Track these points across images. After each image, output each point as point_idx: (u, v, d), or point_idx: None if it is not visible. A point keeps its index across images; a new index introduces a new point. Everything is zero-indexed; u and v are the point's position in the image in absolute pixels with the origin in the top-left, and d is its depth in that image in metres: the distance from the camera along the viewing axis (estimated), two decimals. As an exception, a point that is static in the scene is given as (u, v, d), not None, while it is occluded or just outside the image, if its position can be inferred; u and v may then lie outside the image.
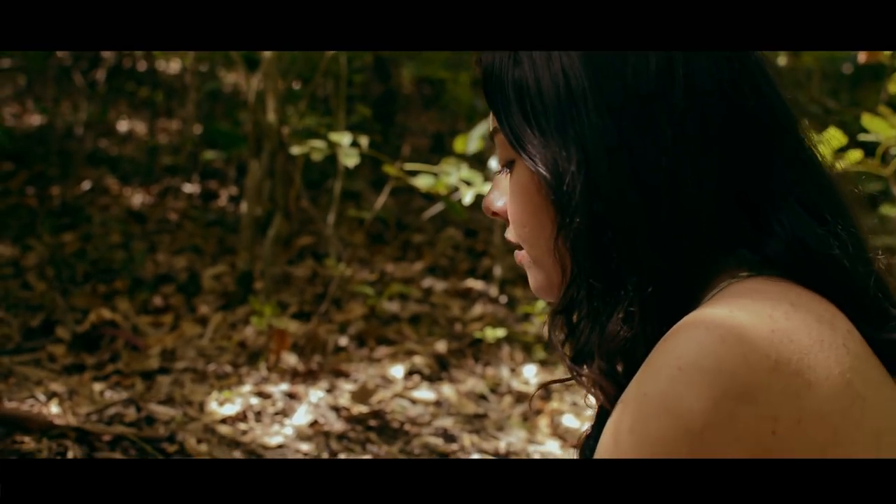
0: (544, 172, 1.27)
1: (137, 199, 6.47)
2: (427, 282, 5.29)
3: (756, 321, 1.17)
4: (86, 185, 6.52)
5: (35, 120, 8.23)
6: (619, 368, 1.29)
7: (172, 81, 8.99)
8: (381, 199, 4.42)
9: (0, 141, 6.40)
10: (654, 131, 1.24)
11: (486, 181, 4.04)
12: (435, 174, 4.11)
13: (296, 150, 4.11)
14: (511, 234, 1.42)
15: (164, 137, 7.85)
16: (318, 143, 4.08)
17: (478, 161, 4.60)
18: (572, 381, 1.36)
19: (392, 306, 4.77)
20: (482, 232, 6.38)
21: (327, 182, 6.27)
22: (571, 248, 1.28)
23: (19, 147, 7.16)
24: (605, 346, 1.28)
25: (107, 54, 8.19)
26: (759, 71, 1.31)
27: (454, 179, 4.06)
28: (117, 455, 2.98)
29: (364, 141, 4.07)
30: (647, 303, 1.25)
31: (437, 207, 5.13)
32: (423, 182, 4.11)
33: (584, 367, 1.31)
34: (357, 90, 7.32)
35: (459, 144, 4.27)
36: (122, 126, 8.62)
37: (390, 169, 4.14)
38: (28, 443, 2.98)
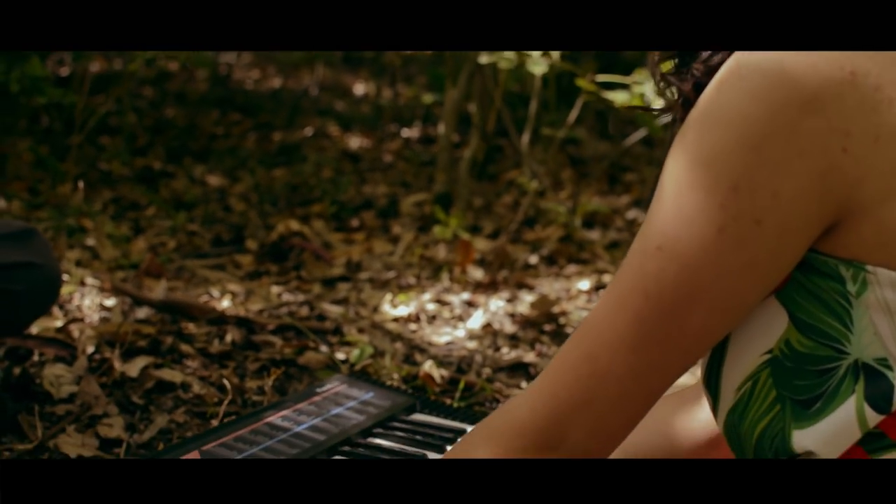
0: None
1: (355, 142, 6.51)
2: (632, 213, 5.14)
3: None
4: (308, 132, 6.61)
5: (274, 83, 8.41)
6: None
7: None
8: (574, 113, 4.30)
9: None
10: None
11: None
12: (627, 86, 3.99)
13: (484, 59, 4.04)
14: None
15: (400, 100, 7.91)
16: (508, 54, 4.00)
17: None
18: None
19: (591, 234, 4.65)
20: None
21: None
22: None
23: (250, 102, 7.34)
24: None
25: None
26: None
27: (649, 91, 3.93)
28: (276, 340, 2.97)
29: (555, 53, 3.97)
30: None
31: (640, 134, 4.97)
32: (617, 97, 3.99)
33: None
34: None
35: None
36: (359, 89, 8.72)
37: (582, 82, 4.03)
38: (190, 328, 3.01)
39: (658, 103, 3.74)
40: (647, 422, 1.28)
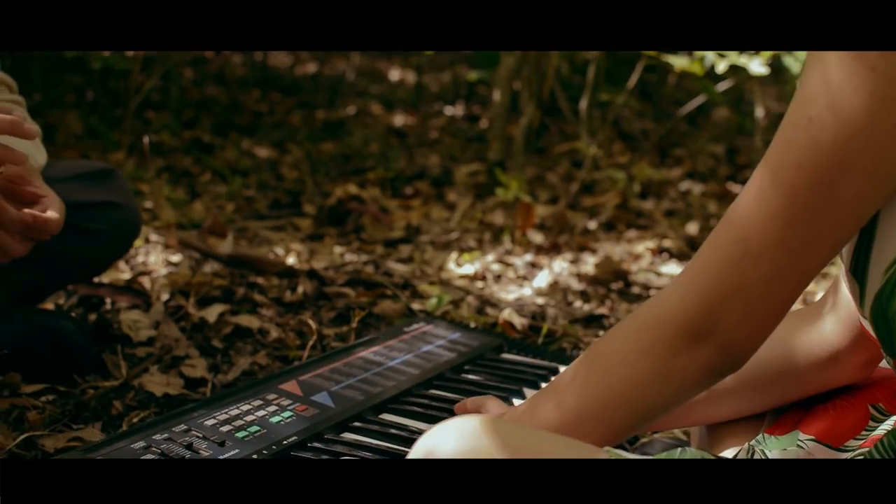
0: None
1: (399, 120, 6.49)
2: (685, 185, 5.10)
3: None
4: (351, 110, 6.59)
5: (309, 68, 8.39)
6: None
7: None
8: (635, 77, 4.25)
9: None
10: None
11: (742, 54, 3.85)
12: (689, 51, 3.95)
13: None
14: None
15: (433, 83, 7.87)
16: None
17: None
18: None
19: (647, 204, 4.61)
20: (745, 150, 6.13)
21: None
22: None
23: (288, 84, 7.33)
24: None
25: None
26: None
27: (710, 54, 3.88)
28: (347, 290, 2.94)
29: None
30: None
31: (697, 101, 4.92)
32: (677, 61, 3.95)
33: None
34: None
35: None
36: (394, 75, 8.71)
37: (642, 46, 3.98)
38: (261, 281, 2.98)
39: (720, 67, 3.70)
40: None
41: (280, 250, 3.38)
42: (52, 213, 1.79)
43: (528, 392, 2.00)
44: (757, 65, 3.70)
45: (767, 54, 3.82)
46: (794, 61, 3.93)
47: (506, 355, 2.26)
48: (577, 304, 3.13)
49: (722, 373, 1.27)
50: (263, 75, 7.44)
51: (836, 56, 1.09)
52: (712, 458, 1.26)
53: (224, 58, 7.63)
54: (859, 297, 1.24)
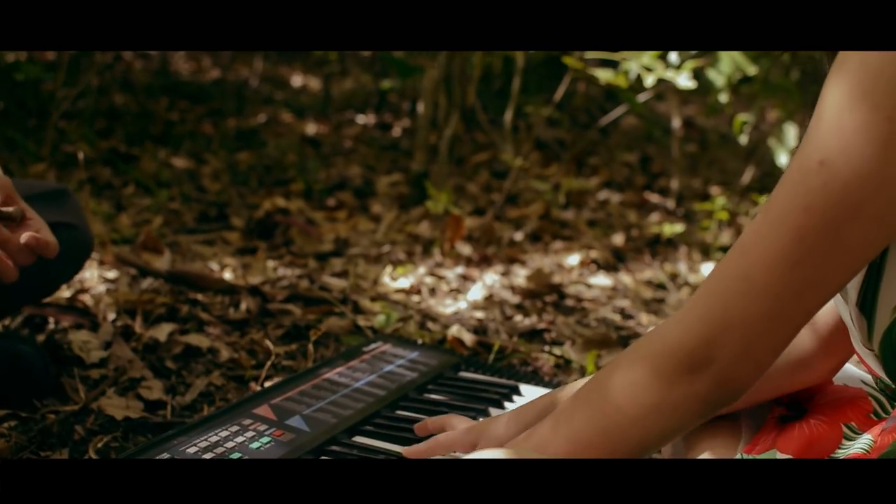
0: None
1: (311, 128, 6.47)
2: (603, 194, 5.17)
3: None
4: (261, 118, 6.56)
5: (212, 75, 8.33)
6: None
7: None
8: (561, 90, 4.30)
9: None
10: None
11: (668, 68, 3.92)
12: (615, 63, 4.01)
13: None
14: None
15: (337, 90, 7.86)
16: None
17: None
18: None
19: (567, 214, 4.66)
20: (658, 157, 6.23)
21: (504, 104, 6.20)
22: None
23: (195, 91, 7.27)
24: None
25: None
26: None
27: (635, 67, 3.95)
28: (291, 307, 2.95)
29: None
30: None
31: (619, 111, 4.98)
32: (603, 74, 4.01)
33: None
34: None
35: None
36: (296, 81, 8.68)
37: (569, 60, 4.04)
38: (202, 298, 2.97)
39: (648, 81, 3.76)
40: None
41: (215, 265, 3.37)
42: (49, 236, 1.77)
43: (494, 411, 2.03)
44: (684, 79, 3.77)
45: (691, 66, 3.90)
46: (717, 74, 4.01)
47: (464, 374, 2.29)
48: (517, 318, 3.16)
49: (718, 405, 1.30)
50: (167, 82, 7.37)
51: (850, 102, 1.12)
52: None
53: (125, 63, 7.54)
54: (867, 331, 1.28)
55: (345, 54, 8.64)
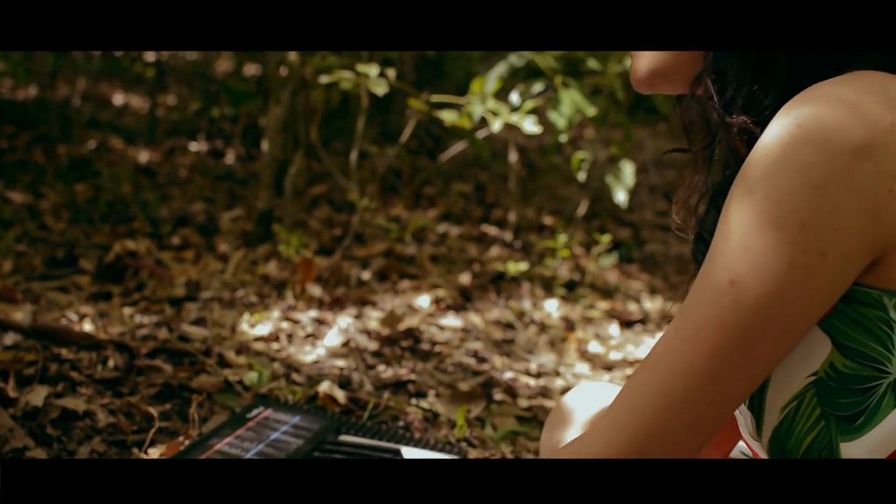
0: None
1: (144, 156, 6.44)
2: (442, 227, 5.29)
3: (871, 90, 1.25)
4: (91, 145, 6.49)
5: (31, 92, 8.18)
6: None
7: (168, 59, 8.91)
8: (407, 132, 4.40)
9: None
10: None
11: (512, 112, 4.05)
12: (460, 106, 4.12)
13: (324, 79, 4.10)
14: None
15: (161, 110, 7.79)
16: (346, 74, 4.07)
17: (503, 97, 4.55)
18: (689, 153, 1.50)
19: (410, 249, 4.76)
20: (491, 186, 6.39)
21: (342, 137, 6.26)
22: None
23: (19, 112, 7.14)
24: (752, 103, 1.36)
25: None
26: None
27: (479, 110, 4.07)
28: (160, 363, 2.97)
29: (391, 73, 4.06)
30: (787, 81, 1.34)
31: (458, 147, 5.11)
32: (447, 116, 4.12)
33: (734, 115, 1.36)
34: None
35: (476, 85, 4.23)
36: (118, 99, 8.59)
37: (415, 102, 4.14)
38: (68, 354, 2.97)
39: (496, 126, 3.86)
40: None
41: (73, 315, 3.36)
42: None
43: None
44: (530, 124, 3.91)
45: (530, 106, 4.04)
46: (558, 117, 4.15)
47: (345, 437, 2.36)
48: (380, 367, 3.25)
49: None
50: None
51: (757, 227, 1.23)
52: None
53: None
54: (756, 427, 1.41)
55: (165, 69, 8.57)
